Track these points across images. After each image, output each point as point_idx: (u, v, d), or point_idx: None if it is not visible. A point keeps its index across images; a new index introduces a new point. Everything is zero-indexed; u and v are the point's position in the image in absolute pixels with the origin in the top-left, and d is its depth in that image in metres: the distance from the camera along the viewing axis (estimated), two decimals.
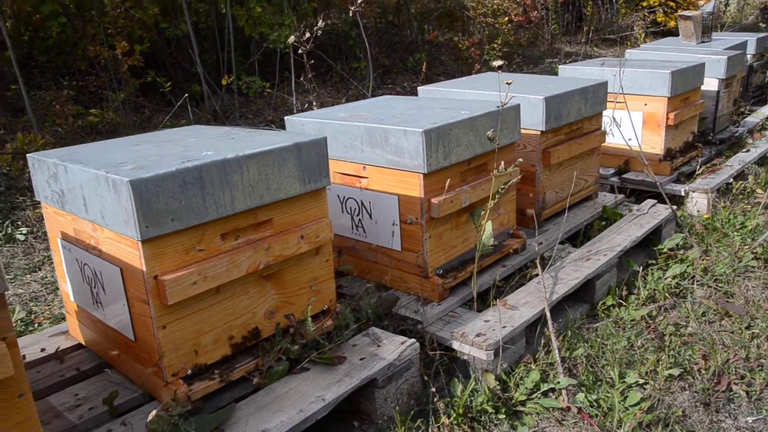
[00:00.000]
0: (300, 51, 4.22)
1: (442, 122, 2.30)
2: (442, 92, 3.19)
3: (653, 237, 3.15)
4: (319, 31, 4.30)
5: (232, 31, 5.89)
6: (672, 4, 8.90)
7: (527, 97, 2.87)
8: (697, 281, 2.81)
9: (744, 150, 4.22)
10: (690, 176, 3.94)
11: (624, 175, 3.88)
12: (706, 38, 5.13)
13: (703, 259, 2.99)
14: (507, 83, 2.17)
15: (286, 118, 2.71)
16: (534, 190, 2.99)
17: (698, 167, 3.96)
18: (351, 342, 2.09)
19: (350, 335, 2.11)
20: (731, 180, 3.78)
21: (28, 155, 2.09)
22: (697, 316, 2.56)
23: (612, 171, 3.94)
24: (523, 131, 2.94)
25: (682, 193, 3.66)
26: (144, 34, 5.98)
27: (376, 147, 2.39)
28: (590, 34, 8.39)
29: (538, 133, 2.89)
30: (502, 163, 2.30)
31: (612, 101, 3.86)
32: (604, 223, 3.23)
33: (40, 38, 6.29)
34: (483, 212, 2.40)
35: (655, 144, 3.82)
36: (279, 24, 5.38)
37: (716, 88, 4.34)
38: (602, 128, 3.33)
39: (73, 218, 1.94)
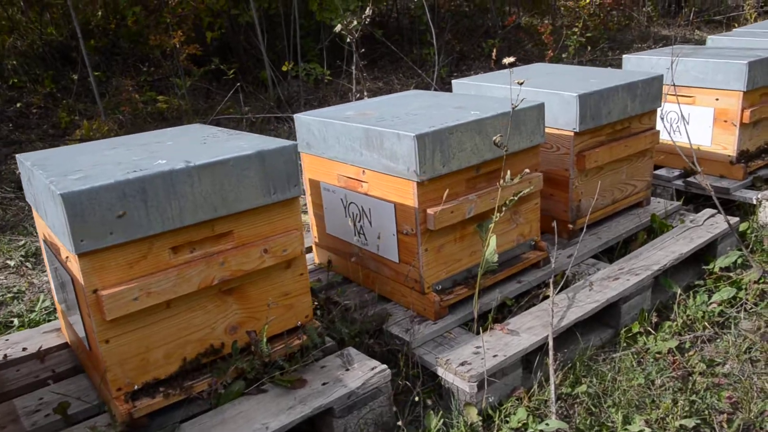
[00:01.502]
0: (349, 39, 4.10)
1: (441, 125, 2.09)
2: (476, 87, 2.95)
3: (707, 253, 2.79)
4: (367, 19, 4.15)
5: (300, 17, 5.84)
6: None
7: (561, 93, 2.59)
8: (748, 309, 2.45)
9: None
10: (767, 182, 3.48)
11: (689, 179, 3.48)
12: None
13: (761, 282, 2.61)
14: (519, 83, 1.92)
15: (295, 116, 2.59)
16: (567, 196, 2.72)
17: None
18: (321, 363, 1.95)
19: (320, 355, 1.97)
20: None
21: (16, 155, 2.09)
22: (738, 352, 2.23)
23: (677, 173, 3.55)
24: (556, 132, 2.66)
25: (754, 201, 3.23)
26: (213, 21, 6.05)
27: (373, 150, 2.22)
28: (692, 16, 7.69)
29: (572, 134, 2.61)
30: (508, 172, 2.06)
31: (680, 95, 3.46)
32: (651, 234, 2.90)
33: (124, 26, 6.53)
34: (490, 224, 2.18)
35: (727, 144, 3.39)
36: (344, 9, 5.26)
37: None
38: (655, 127, 2.98)
39: (44, 224, 1.91)
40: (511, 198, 2.05)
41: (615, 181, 2.88)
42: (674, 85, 2.93)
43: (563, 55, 6.32)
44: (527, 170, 2.08)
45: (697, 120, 3.46)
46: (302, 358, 1.93)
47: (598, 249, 2.72)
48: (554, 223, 2.47)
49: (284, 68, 5.41)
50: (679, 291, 2.51)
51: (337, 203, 2.53)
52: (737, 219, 2.89)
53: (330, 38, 6.21)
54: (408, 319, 2.25)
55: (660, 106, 2.93)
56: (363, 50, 5.29)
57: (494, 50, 5.90)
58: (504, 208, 2.05)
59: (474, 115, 2.19)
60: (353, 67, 4.66)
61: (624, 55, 3.72)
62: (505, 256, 2.45)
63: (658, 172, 3.56)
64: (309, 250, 2.89)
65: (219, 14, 6.19)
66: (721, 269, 2.68)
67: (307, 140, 2.54)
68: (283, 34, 6.41)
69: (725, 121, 3.36)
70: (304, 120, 2.52)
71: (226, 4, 6.14)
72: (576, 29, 6.24)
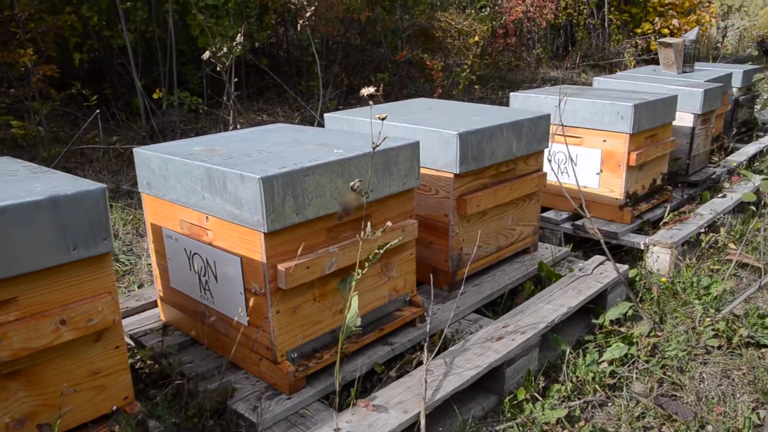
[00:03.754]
0: (219, 68, 3.74)
1: (294, 166, 1.77)
2: (348, 121, 2.67)
3: (597, 304, 2.60)
4: (239, 47, 3.81)
5: (182, 42, 5.42)
6: (666, 32, 8.37)
7: (440, 131, 2.34)
8: (639, 368, 2.25)
9: (720, 195, 3.66)
10: (656, 224, 3.40)
11: (577, 222, 3.34)
12: (687, 68, 4.60)
13: (652, 335, 2.44)
14: (380, 118, 1.63)
15: (134, 150, 2.19)
16: (447, 244, 2.45)
17: (666, 214, 3.41)
18: None
19: None
20: (702, 231, 3.23)
21: None
22: (631, 419, 2.01)
23: (565, 215, 3.40)
24: (435, 173, 2.41)
25: (642, 247, 3.11)
26: (81, 42, 5.51)
27: (216, 194, 1.86)
28: (577, 60, 7.88)
29: (452, 176, 2.36)
30: (369, 224, 1.76)
31: (569, 135, 3.33)
32: (539, 285, 2.69)
33: None
34: (353, 282, 1.86)
35: (614, 187, 3.28)
36: (222, 35, 4.90)
37: (691, 124, 3.80)
38: (542, 169, 2.79)
39: None
40: (377, 251, 1.75)
41: (500, 227, 2.65)
42: (562, 125, 2.77)
43: (453, 92, 6.23)
44: (389, 222, 1.78)
45: (585, 161, 3.34)
46: None
47: (481, 302, 2.46)
48: (432, 275, 2.19)
49: (155, 96, 4.95)
50: (568, 349, 2.28)
51: (180, 253, 2.14)
52: (626, 267, 2.73)
53: (212, 66, 5.81)
54: (258, 393, 1.89)
55: (547, 147, 2.75)
56: (238, 80, 4.94)
57: (380, 85, 5.73)
58: (368, 263, 1.74)
59: (336, 155, 1.89)
60: (225, 98, 4.29)
61: (511, 93, 3.57)
62: (375, 314, 2.14)
63: (546, 214, 3.40)
64: (154, 305, 2.48)
65: (89, 35, 5.65)
66: (611, 322, 2.49)
67: (147, 179, 2.15)
68: (160, 59, 5.95)
69: (612, 163, 3.25)
70: (143, 155, 2.13)
71: (99, 25, 5.62)
72: (465, 66, 6.17)
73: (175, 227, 2.12)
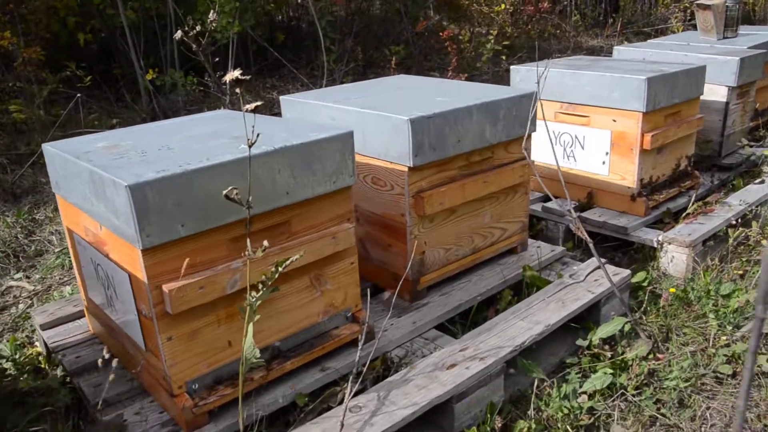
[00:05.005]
0: (194, 48, 3.45)
1: (178, 169, 1.47)
2: (302, 105, 2.34)
3: (589, 318, 2.22)
4: (213, 24, 3.51)
5: (174, 20, 5.16)
6: None
7: (390, 116, 1.99)
8: (628, 399, 1.88)
9: (757, 181, 3.17)
10: (678, 216, 2.96)
11: (584, 213, 2.94)
12: (730, 33, 4.05)
13: (651, 358, 2.05)
14: (248, 110, 1.30)
15: (43, 146, 1.93)
16: (406, 248, 2.12)
17: (691, 204, 2.96)
18: None
19: None
20: (730, 225, 2.78)
21: None
22: None
23: (572, 205, 3.00)
24: (389, 166, 2.07)
25: (654, 244, 2.70)
26: (82, 21, 5.33)
27: (100, 201, 1.58)
28: (619, 27, 7.26)
29: (405, 169, 2.01)
30: (265, 242, 1.44)
31: (575, 113, 2.92)
32: (525, 291, 2.32)
33: None
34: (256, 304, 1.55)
35: (626, 173, 2.86)
36: (220, 11, 4.60)
37: (725, 99, 3.31)
38: (529, 156, 2.40)
39: None
40: (273, 270, 1.43)
41: (476, 226, 2.29)
42: (539, 99, 2.37)
43: (477, 65, 5.79)
44: (269, 247, 1.44)
45: (593, 144, 2.92)
46: None
47: (446, 316, 2.12)
48: (393, 282, 1.86)
49: (148, 76, 4.71)
50: (542, 376, 1.93)
51: (88, 262, 1.88)
52: (627, 273, 2.32)
53: (219, 44, 5.55)
54: (157, 427, 1.62)
55: (534, 131, 2.36)
56: (245, 57, 4.65)
57: (393, 59, 5.35)
58: (263, 286, 1.43)
59: (240, 151, 1.57)
60: (207, 78, 4.01)
61: (512, 67, 3.16)
62: (306, 334, 1.84)
63: (549, 204, 3.00)
64: (82, 314, 2.24)
65: (92, 14, 5.46)
66: (602, 341, 2.11)
67: (56, 178, 1.89)
68: (161, 38, 5.72)
69: (623, 147, 2.82)
70: (49, 152, 1.87)
71: (102, 3, 5.42)
72: (491, 36, 5.71)
73: (81, 233, 1.86)
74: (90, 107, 5.58)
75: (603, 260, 2.32)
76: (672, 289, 2.36)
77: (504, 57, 6.25)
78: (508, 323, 2.02)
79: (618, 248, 2.91)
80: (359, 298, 1.96)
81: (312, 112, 2.28)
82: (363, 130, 2.09)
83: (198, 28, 3.31)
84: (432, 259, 2.18)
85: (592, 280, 2.28)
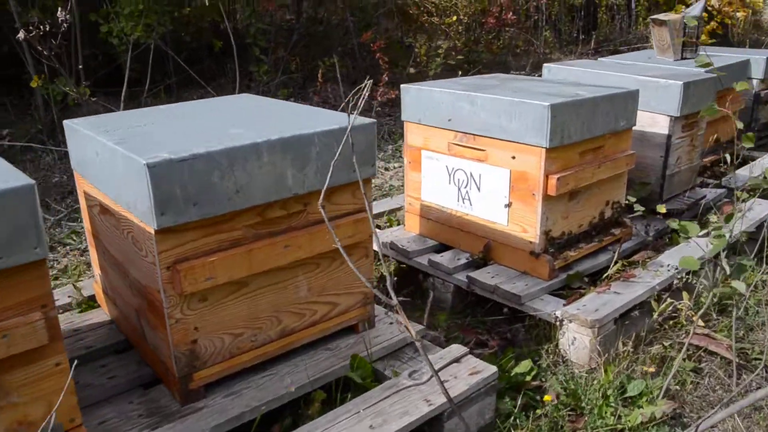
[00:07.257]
0: (40, 49, 2.89)
1: None
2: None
3: None
4: (65, 24, 2.95)
5: (79, 25, 4.60)
6: (704, 15, 7.05)
7: (132, 158, 1.40)
8: None
9: (701, 233, 2.56)
10: (596, 278, 2.37)
11: (477, 271, 2.34)
12: (689, 53, 3.47)
13: None
14: None
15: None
16: (167, 335, 1.52)
17: (613, 263, 2.36)
18: None
19: None
20: (654, 297, 2.18)
21: None
22: None
23: (464, 259, 2.41)
24: (140, 224, 1.48)
25: (552, 319, 2.10)
26: None
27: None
28: (593, 44, 6.69)
29: (152, 231, 1.42)
30: None
31: (469, 146, 2.35)
32: (353, 392, 1.72)
33: None
34: None
35: (528, 224, 2.26)
36: (115, 14, 4.04)
37: (666, 131, 2.71)
38: (365, 208, 1.81)
39: None
40: None
41: (284, 302, 1.69)
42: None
43: (425, 79, 5.23)
44: None
45: (491, 186, 2.34)
46: None
47: (221, 429, 1.52)
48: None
49: (33, 84, 4.14)
50: None
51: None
52: (491, 371, 1.71)
53: (137, 52, 4.99)
54: None
55: (374, 174, 1.77)
56: (152, 66, 4.08)
57: (320, 72, 4.78)
58: None
59: None
60: (67, 87, 3.44)
61: (402, 86, 2.58)
62: None
63: (437, 258, 2.42)
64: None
65: None
66: None
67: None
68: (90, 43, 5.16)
69: (524, 190, 2.24)
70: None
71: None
72: (440, 50, 5.15)
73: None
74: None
75: (463, 351, 1.72)
76: (547, 397, 1.76)
77: (460, 72, 5.69)
78: None
79: (519, 318, 2.31)
80: (76, 410, 1.36)
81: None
82: (112, 172, 1.51)
83: (45, 28, 2.75)
84: (211, 349, 1.58)
85: (441, 379, 1.67)
